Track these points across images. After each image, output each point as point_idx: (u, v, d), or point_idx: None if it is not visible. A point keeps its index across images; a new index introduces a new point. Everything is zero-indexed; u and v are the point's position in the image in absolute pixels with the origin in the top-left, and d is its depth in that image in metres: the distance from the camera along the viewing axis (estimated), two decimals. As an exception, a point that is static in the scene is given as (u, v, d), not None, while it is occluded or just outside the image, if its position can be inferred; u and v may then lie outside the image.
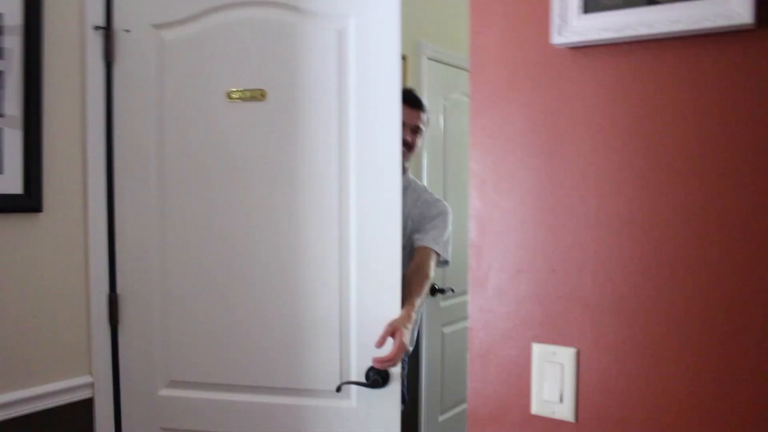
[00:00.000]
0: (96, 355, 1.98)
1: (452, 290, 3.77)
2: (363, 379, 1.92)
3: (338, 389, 1.90)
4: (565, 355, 1.16)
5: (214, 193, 2.02)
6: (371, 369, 1.89)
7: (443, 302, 3.74)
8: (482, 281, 1.24)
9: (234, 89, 1.99)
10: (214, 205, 2.03)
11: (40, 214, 1.86)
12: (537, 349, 1.19)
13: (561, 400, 1.16)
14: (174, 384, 2.06)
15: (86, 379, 1.98)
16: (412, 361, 3.43)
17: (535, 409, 1.19)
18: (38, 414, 1.87)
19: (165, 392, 2.06)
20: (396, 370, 1.90)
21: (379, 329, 1.83)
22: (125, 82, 2.00)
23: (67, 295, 1.94)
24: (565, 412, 1.16)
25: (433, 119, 3.54)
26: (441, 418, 3.78)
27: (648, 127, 1.06)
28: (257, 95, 1.98)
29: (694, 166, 1.02)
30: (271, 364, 1.99)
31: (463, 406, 4.03)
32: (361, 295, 1.93)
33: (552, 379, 1.17)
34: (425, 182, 3.48)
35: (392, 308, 1.90)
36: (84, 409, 1.98)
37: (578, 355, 1.14)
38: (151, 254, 2.03)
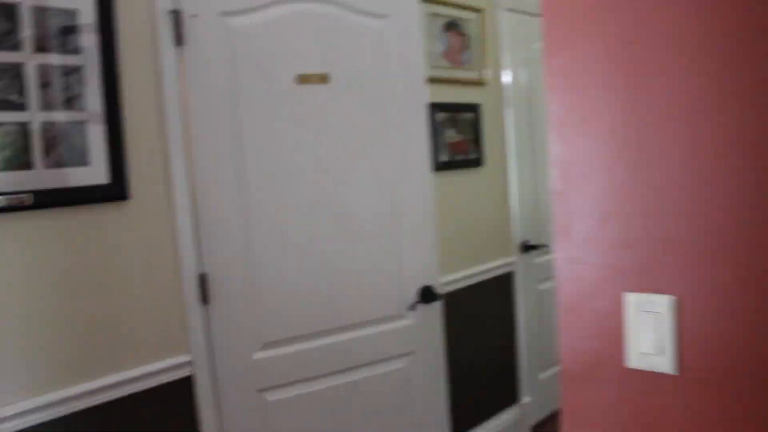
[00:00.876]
0: (192, 333, 2.04)
1: (546, 246, 3.66)
2: (417, 298, 2.47)
3: (412, 308, 2.43)
4: (663, 304, 1.07)
5: (289, 168, 2.16)
6: (424, 290, 2.45)
7: (537, 258, 3.64)
8: (567, 229, 1.17)
9: (302, 73, 2.15)
10: (290, 179, 2.17)
11: (128, 202, 1.92)
12: (631, 298, 1.11)
13: (660, 351, 1.08)
14: (266, 346, 2.18)
15: (185, 357, 2.04)
16: (508, 319, 3.37)
17: (632, 362, 1.12)
18: (141, 394, 1.95)
19: (259, 355, 2.16)
20: (440, 289, 2.50)
21: (424, 268, 2.44)
22: (197, 66, 2.02)
23: (159, 278, 2.00)
24: (665, 364, 1.08)
25: (516, 72, 3.41)
26: (542, 376, 3.71)
27: (748, 44, 0.95)
28: (322, 79, 2.18)
29: (799, 84, 0.91)
30: (347, 306, 2.30)
31: (566, 364, 3.95)
32: (409, 246, 2.42)
33: (649, 330, 1.09)
34: (512, 137, 3.38)
35: (431, 257, 2.49)
36: (185, 386, 2.05)
37: (677, 302, 1.06)
38: (234, 232, 2.08)
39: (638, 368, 1.11)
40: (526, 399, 3.54)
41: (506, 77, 3.34)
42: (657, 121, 1.05)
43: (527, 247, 3.53)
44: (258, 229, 2.12)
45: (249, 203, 2.09)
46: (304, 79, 2.12)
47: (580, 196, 1.15)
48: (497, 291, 3.34)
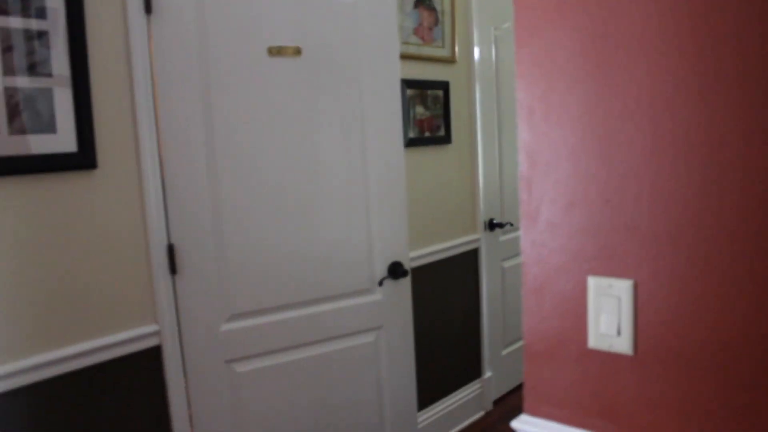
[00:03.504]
0: (160, 303, 2.05)
1: (511, 224, 3.73)
2: (386, 274, 2.51)
3: (380, 283, 2.46)
4: (622, 288, 1.12)
5: (260, 140, 2.16)
6: (393, 266, 2.50)
7: (502, 237, 3.70)
8: (534, 215, 1.21)
9: (274, 45, 2.14)
10: (260, 150, 2.18)
11: (95, 171, 1.91)
12: (593, 282, 1.16)
13: (619, 333, 1.14)
14: (234, 318, 2.20)
15: (153, 327, 2.05)
16: (472, 296, 3.44)
17: (593, 342, 1.17)
18: (109, 363, 1.96)
19: (226, 327, 2.18)
20: (408, 265, 2.56)
21: (393, 243, 2.47)
22: (166, 33, 2.00)
23: (127, 248, 2.00)
24: (623, 345, 1.13)
25: (484, 51, 3.43)
26: (504, 352, 3.80)
27: (708, 42, 0.99)
28: (295, 52, 2.18)
29: (760, 84, 0.95)
30: (317, 279, 2.33)
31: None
32: (379, 221, 2.44)
33: (609, 312, 1.14)
34: (477, 117, 3.41)
35: (401, 233, 2.51)
36: (153, 356, 2.06)
37: (636, 287, 1.11)
38: (203, 202, 2.09)
39: (598, 348, 1.16)
40: (488, 374, 3.62)
41: (475, 55, 3.36)
42: (622, 112, 1.09)
43: (492, 225, 3.59)
44: (227, 200, 2.12)
45: (218, 174, 2.10)
46: (275, 51, 2.12)
47: (546, 183, 1.19)
48: (463, 267, 3.40)
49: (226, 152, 2.10)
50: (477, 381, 3.56)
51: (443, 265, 3.23)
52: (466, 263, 3.43)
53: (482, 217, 3.51)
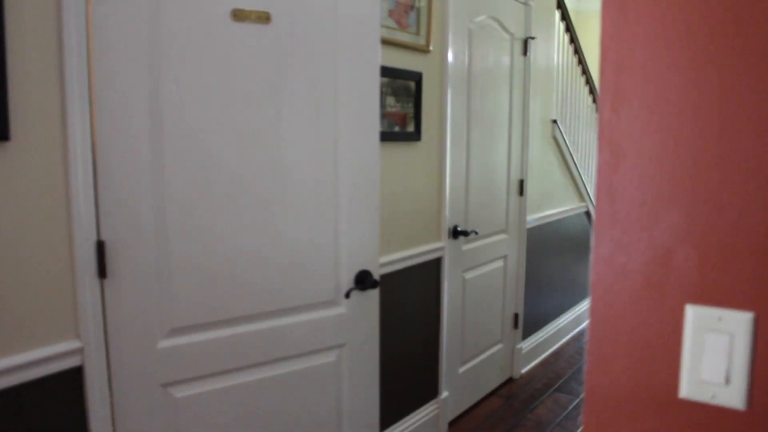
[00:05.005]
0: (84, 314, 1.66)
1: (476, 232, 3.46)
2: (353, 285, 2.15)
3: (347, 295, 2.11)
4: (738, 322, 0.84)
5: (216, 120, 1.81)
6: (361, 275, 2.14)
7: (465, 245, 3.43)
8: (612, 221, 0.91)
9: (239, 8, 1.78)
10: (216, 133, 1.82)
11: (7, 144, 1.50)
12: (693, 312, 0.87)
13: (727, 380, 0.85)
14: (174, 332, 1.82)
15: (74, 343, 1.65)
16: (433, 309, 3.15)
17: (687, 392, 0.88)
18: (17, 389, 1.55)
19: (165, 343, 1.80)
20: (377, 275, 2.20)
21: (363, 249, 2.13)
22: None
23: (45, 243, 1.59)
24: (732, 396, 0.85)
25: (458, 43, 3.15)
26: (461, 370, 3.52)
27: None
28: (263, 17, 1.83)
29: None
30: (274, 289, 1.97)
31: (483, 356, 3.81)
32: (348, 223, 2.09)
33: (715, 353, 0.86)
34: (448, 114, 3.12)
35: (372, 238, 2.16)
36: (72, 379, 1.66)
37: (756, 321, 0.83)
38: (143, 192, 1.71)
39: (695, 400, 0.87)
40: (445, 393, 3.33)
41: (449, 47, 3.07)
42: (744, 92, 0.81)
43: (456, 233, 3.31)
44: (173, 191, 1.74)
45: (164, 158, 1.72)
46: (240, 14, 1.76)
47: (634, 181, 0.89)
48: (425, 278, 3.11)
49: (175, 132, 1.72)
50: (433, 402, 3.27)
51: (405, 275, 2.92)
52: (429, 273, 3.13)
53: (447, 224, 3.22)
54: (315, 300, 2.05)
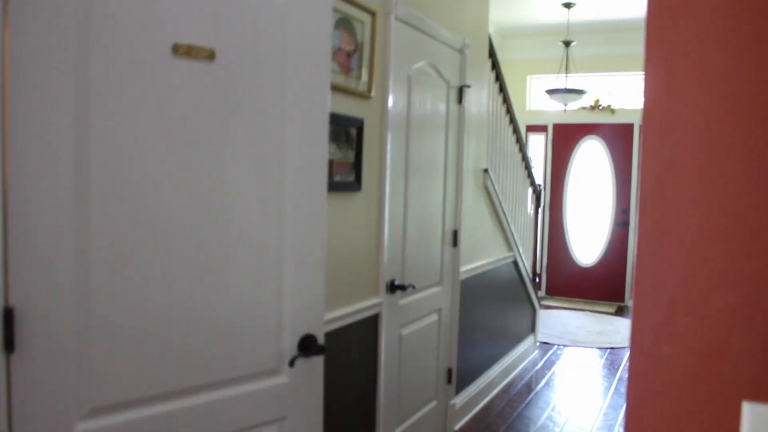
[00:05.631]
0: (-14, 393, 1.39)
1: (413, 287, 3.32)
2: (297, 351, 1.92)
3: (292, 363, 1.89)
4: (809, 425, 0.72)
5: (153, 168, 1.61)
6: (305, 339, 1.93)
7: (402, 300, 3.28)
8: (654, 306, 0.78)
9: (181, 42, 1.59)
10: (151, 179, 1.61)
11: None
12: (751, 411, 0.74)
13: (796, 495, 0.72)
14: (95, 413, 1.55)
15: (-28, 428, 1.38)
16: (370, 369, 2.97)
17: (746, 507, 0.75)
18: None
19: (83, 427, 1.53)
20: (322, 340, 1.99)
21: (308, 311, 1.93)
22: (27, 15, 1.40)
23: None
24: None
25: (398, 89, 3.05)
26: (398, 430, 3.33)
27: None
28: (206, 55, 1.64)
29: None
30: (214, 356, 1.74)
31: (419, 414, 3.63)
32: (293, 281, 1.89)
33: (781, 462, 0.73)
34: (388, 163, 3.00)
35: (317, 298, 1.97)
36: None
37: (831, 424, 0.71)
38: (63, 250, 1.46)
39: None
40: (381, 458, 3.13)
41: (390, 94, 2.97)
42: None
43: (394, 287, 3.15)
44: (100, 248, 1.50)
45: (90, 212, 1.48)
46: (182, 50, 1.57)
47: (679, 256, 0.77)
48: (363, 336, 2.93)
49: (104, 181, 1.49)
50: (370, 468, 3.06)
51: (343, 335, 2.73)
52: (366, 331, 2.96)
53: (385, 278, 3.07)
54: (255, 369, 1.83)
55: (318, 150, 1.93)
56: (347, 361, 2.79)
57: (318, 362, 2.01)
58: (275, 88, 1.79)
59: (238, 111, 1.72)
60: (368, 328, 2.97)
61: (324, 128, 1.94)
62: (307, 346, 1.95)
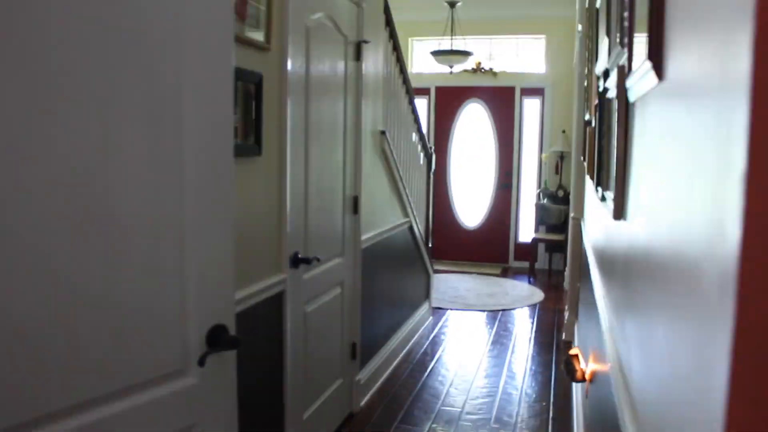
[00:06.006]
0: None
1: (318, 259, 3.05)
2: (206, 347, 1.62)
3: (201, 362, 1.58)
4: None
5: (20, 127, 1.21)
6: (214, 331, 1.63)
7: (306, 274, 3.01)
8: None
9: None
10: (23, 145, 1.22)
11: None
12: None
13: None
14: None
15: None
16: (275, 352, 2.69)
17: None
18: None
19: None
20: (233, 329, 1.71)
21: (216, 297, 1.64)
22: None
23: None
24: None
25: (297, 41, 2.74)
26: (306, 415, 3.09)
27: None
28: None
29: None
30: (103, 363, 1.38)
31: (326, 394, 3.40)
32: (197, 260, 1.57)
33: None
34: (288, 123, 2.70)
35: (226, 282, 1.68)
36: None
37: None
38: None
39: None
40: (291, 447, 2.88)
41: (289, 46, 2.65)
42: None
43: (297, 261, 2.88)
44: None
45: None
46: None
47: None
48: (267, 317, 2.64)
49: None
50: (278, 459, 2.80)
51: (246, 318, 2.43)
52: (270, 311, 2.67)
53: (288, 252, 2.78)
54: (157, 372, 1.51)
55: (222, 106, 1.62)
56: (252, 347, 2.50)
57: (230, 357, 1.72)
58: (171, 29, 1.45)
59: (126, 58, 1.37)
60: (272, 307, 2.68)
61: (228, 81, 1.63)
62: (216, 339, 1.65)
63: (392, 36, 4.44)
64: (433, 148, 6.14)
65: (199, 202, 1.56)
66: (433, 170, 6.12)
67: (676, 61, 0.95)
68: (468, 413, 3.90)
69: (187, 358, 1.58)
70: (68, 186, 1.28)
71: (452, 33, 7.13)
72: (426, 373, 4.57)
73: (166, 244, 1.50)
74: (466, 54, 6.91)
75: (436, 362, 4.82)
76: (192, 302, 1.58)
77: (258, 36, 2.36)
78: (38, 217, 1.23)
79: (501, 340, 5.39)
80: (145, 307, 1.46)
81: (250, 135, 2.36)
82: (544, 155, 8.04)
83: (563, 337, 5.39)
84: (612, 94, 1.83)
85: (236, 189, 2.21)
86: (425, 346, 5.19)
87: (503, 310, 6.34)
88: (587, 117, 3.67)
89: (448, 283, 7.38)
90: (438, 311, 6.21)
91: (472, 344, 5.31)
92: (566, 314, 5.43)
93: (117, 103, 1.35)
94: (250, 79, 2.32)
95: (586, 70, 4.21)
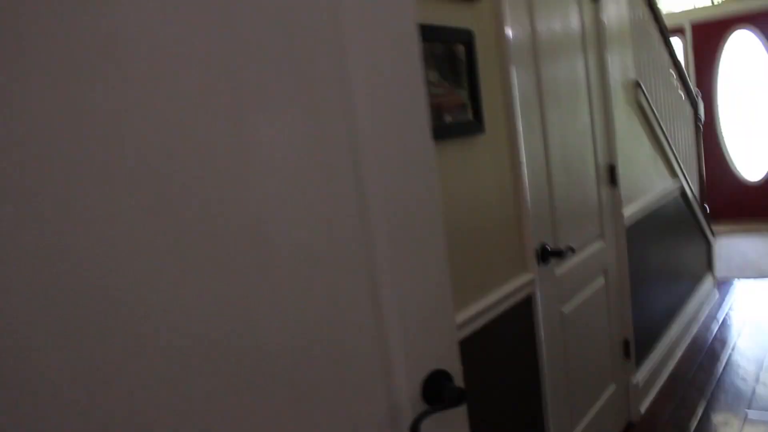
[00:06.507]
0: None
1: (572, 250, 2.49)
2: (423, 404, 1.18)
3: (415, 427, 1.11)
4: None
5: (120, 143, 0.83)
6: (432, 379, 1.19)
7: (558, 269, 2.47)
8: None
9: None
10: (124, 170, 0.84)
11: None
12: None
13: None
14: None
15: None
16: (529, 368, 2.20)
17: None
18: None
19: None
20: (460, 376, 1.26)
21: (432, 331, 1.20)
22: None
23: None
24: None
25: (513, -15, 2.20)
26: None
27: None
28: None
29: None
30: None
31: (597, 406, 2.85)
32: (400, 280, 1.13)
33: None
34: (515, 89, 2.17)
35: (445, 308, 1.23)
36: None
37: None
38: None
39: None
40: (560, 481, 2.38)
41: (504, -7, 2.12)
42: None
43: (546, 254, 2.35)
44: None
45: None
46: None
47: None
48: (512, 330, 2.16)
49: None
50: (547, 496, 2.31)
51: (484, 336, 1.97)
52: (515, 322, 2.18)
53: (534, 245, 2.27)
54: (356, 448, 1.11)
55: (407, 84, 1.16)
56: (497, 367, 2.04)
57: (459, 415, 1.26)
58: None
59: (259, 36, 0.97)
60: (518, 317, 2.19)
61: (413, 50, 1.16)
62: (437, 390, 1.21)
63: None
64: (700, 94, 5.14)
65: (386, 203, 1.13)
66: (701, 119, 5.13)
67: None
68: (789, 422, 3.05)
69: (397, 424, 1.16)
70: (209, 207, 0.91)
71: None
72: (720, 367, 3.74)
73: (347, 269, 1.09)
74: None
75: (732, 351, 3.95)
76: (395, 342, 1.15)
77: (461, -17, 1.87)
78: (178, 247, 0.88)
79: (818, 318, 4.31)
80: (323, 354, 1.06)
81: (465, 109, 1.89)
82: None
83: None
84: None
85: (451, 178, 1.75)
86: (714, 331, 4.31)
87: (814, 277, 5.15)
88: None
89: (731, 247, 6.27)
90: (724, 284, 5.22)
91: (779, 325, 4.31)
92: None
93: (256, 88, 0.96)
94: (457, 38, 1.84)
95: None
